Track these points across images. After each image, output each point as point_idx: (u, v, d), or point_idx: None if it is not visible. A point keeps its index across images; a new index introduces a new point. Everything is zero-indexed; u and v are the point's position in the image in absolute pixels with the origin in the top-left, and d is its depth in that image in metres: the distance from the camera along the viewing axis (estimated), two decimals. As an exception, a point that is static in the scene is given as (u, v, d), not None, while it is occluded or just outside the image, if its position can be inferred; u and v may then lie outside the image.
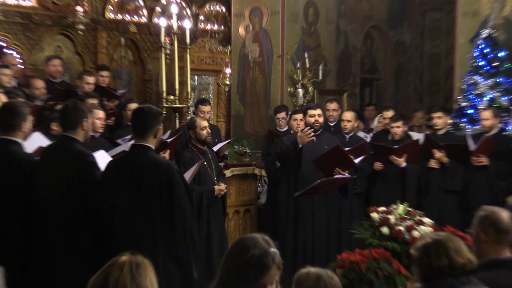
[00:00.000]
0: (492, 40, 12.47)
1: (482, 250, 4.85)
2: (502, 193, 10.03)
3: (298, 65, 14.46)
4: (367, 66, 16.84)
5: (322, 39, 15.24)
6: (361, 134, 12.06)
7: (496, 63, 12.30)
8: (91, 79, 11.33)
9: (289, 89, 14.46)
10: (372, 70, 16.97)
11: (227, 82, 14.68)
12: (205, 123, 9.52)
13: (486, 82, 12.23)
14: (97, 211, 6.12)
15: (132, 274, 3.85)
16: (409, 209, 8.12)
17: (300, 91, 14.28)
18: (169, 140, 8.99)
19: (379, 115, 12.75)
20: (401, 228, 7.66)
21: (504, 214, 5.15)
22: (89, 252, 5.98)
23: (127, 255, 3.94)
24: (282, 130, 11.72)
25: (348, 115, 11.39)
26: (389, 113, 11.94)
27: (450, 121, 11.70)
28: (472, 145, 10.59)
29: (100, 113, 8.70)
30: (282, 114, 11.73)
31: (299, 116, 11.04)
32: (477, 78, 12.32)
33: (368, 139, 11.75)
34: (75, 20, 12.75)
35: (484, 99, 12.07)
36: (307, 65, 14.48)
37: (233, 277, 3.68)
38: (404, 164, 10.62)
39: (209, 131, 9.64)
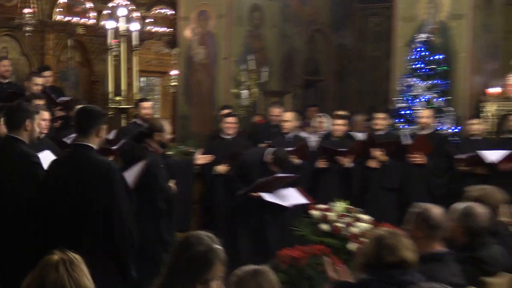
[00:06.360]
0: (428, 44, 12.69)
1: (417, 245, 4.94)
2: (438, 189, 10.26)
3: (243, 67, 14.50)
4: (311, 68, 16.94)
5: (267, 42, 15.29)
6: (304, 134, 12.12)
7: (433, 66, 12.52)
8: (39, 80, 11.14)
9: (234, 90, 14.48)
10: (315, 72, 17.08)
11: (173, 84, 14.75)
12: (169, 128, 9.48)
13: (423, 83, 12.44)
14: (39, 209, 6.08)
15: (69, 273, 3.81)
16: (349, 206, 8.20)
17: (245, 92, 14.33)
18: (114, 148, 8.95)
19: (319, 115, 12.85)
20: (341, 225, 7.73)
21: (435, 210, 5.30)
22: (32, 250, 5.93)
23: (58, 253, 3.92)
24: (230, 136, 11.31)
25: (287, 115, 11.46)
26: (341, 113, 12.05)
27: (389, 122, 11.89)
28: (408, 140, 10.91)
29: (45, 114, 8.54)
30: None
31: (233, 119, 11.21)
32: (414, 80, 12.52)
33: (312, 139, 11.83)
34: (22, 21, 12.59)
35: (420, 100, 12.28)
36: (252, 67, 14.50)
37: (178, 273, 3.72)
38: (350, 165, 10.80)
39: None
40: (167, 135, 9.20)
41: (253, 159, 10.18)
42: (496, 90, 13.16)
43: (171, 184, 8.88)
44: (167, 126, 9.32)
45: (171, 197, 8.69)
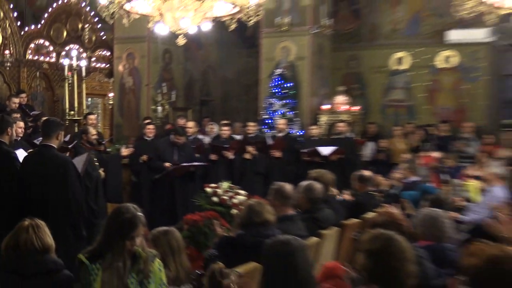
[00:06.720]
0: (283, 76, 12.83)
1: (275, 210, 4.99)
2: (290, 173, 10.37)
3: (159, 91, 14.38)
4: (205, 92, 16.87)
5: (174, 74, 15.18)
6: (201, 136, 12.08)
7: (285, 91, 12.68)
8: (16, 100, 10.90)
9: (152, 107, 14.34)
10: (207, 94, 17.01)
11: (110, 102, 14.55)
12: (94, 131, 9.35)
13: (279, 102, 12.59)
14: (17, 190, 5.90)
15: (36, 234, 3.77)
16: (231, 185, 8.19)
17: (159, 108, 14.25)
18: (70, 146, 8.73)
19: (211, 123, 12.83)
20: (226, 197, 7.73)
21: (288, 186, 5.38)
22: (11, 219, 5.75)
23: (28, 220, 3.84)
24: (150, 138, 10.96)
25: (189, 123, 11.45)
26: (225, 122, 12.08)
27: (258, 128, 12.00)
28: (270, 141, 11.03)
29: (21, 124, 8.34)
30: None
31: (152, 126, 11.06)
32: (273, 100, 12.65)
33: (206, 140, 11.81)
34: (4, 59, 12.28)
35: (278, 113, 12.43)
36: (165, 91, 14.40)
37: (112, 232, 3.65)
38: (232, 157, 10.83)
39: (97, 136, 9.47)
40: (92, 136, 9.06)
41: (164, 143, 10.33)
42: (327, 107, 13.43)
43: (101, 171, 8.75)
44: (91, 130, 9.19)
45: (99, 179, 8.52)
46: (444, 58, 14.57)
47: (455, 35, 14.22)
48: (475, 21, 8.21)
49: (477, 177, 8.78)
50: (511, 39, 13.84)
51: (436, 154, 10.89)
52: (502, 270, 2.78)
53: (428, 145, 12.16)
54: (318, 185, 5.97)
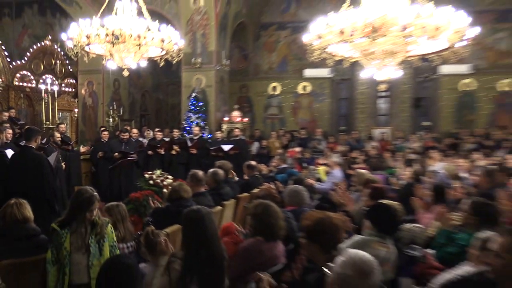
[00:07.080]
0: (197, 98, 12.73)
1: (192, 189, 4.96)
2: (202, 164, 10.29)
3: (111, 107, 13.89)
4: (143, 108, 16.45)
5: (122, 96, 14.68)
6: (141, 139, 11.77)
7: (199, 108, 12.59)
8: (6, 114, 10.14)
9: (106, 118, 13.83)
10: (145, 110, 16.59)
11: (76, 116, 13.93)
12: (58, 135, 8.95)
13: (194, 116, 12.50)
14: (8, 178, 5.55)
15: (18, 209, 3.60)
16: (162, 172, 8.04)
17: (111, 119, 13.79)
18: (45, 147, 8.26)
19: (148, 130, 12.52)
20: (158, 181, 7.57)
21: (200, 172, 5.33)
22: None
23: (13, 199, 3.68)
24: (105, 140, 10.62)
25: (134, 130, 11.07)
26: (158, 129, 11.81)
27: (181, 133, 11.87)
28: (189, 143, 10.80)
29: (10, 131, 7.77)
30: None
31: (106, 132, 10.76)
32: (191, 114, 12.53)
33: (145, 141, 11.53)
34: (-4, 85, 11.53)
35: (194, 123, 12.31)
36: (115, 108, 13.93)
37: (76, 207, 3.51)
38: (162, 152, 10.59)
39: (60, 138, 9.05)
40: (57, 138, 8.80)
41: (115, 142, 10.30)
42: (227, 118, 13.45)
43: (63, 164, 8.34)
44: (56, 133, 8.96)
45: (59, 169, 8.04)
46: (302, 87, 15.05)
47: (309, 72, 14.72)
48: (321, 63, 8.49)
49: (324, 164, 9.12)
50: (343, 76, 14.49)
51: (298, 149, 11.21)
52: (323, 227, 2.92)
53: (293, 143, 12.50)
54: (221, 171, 5.98)
